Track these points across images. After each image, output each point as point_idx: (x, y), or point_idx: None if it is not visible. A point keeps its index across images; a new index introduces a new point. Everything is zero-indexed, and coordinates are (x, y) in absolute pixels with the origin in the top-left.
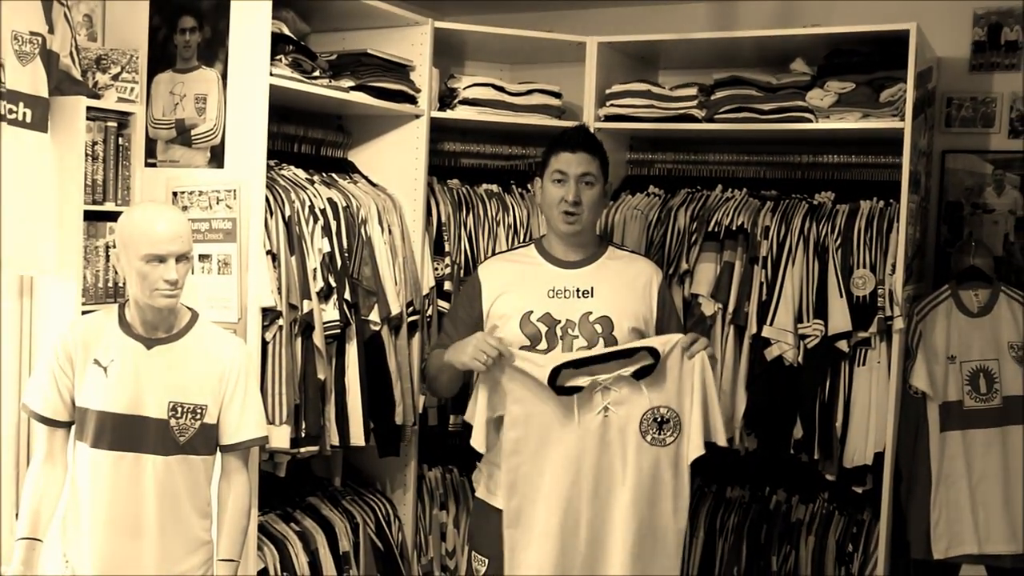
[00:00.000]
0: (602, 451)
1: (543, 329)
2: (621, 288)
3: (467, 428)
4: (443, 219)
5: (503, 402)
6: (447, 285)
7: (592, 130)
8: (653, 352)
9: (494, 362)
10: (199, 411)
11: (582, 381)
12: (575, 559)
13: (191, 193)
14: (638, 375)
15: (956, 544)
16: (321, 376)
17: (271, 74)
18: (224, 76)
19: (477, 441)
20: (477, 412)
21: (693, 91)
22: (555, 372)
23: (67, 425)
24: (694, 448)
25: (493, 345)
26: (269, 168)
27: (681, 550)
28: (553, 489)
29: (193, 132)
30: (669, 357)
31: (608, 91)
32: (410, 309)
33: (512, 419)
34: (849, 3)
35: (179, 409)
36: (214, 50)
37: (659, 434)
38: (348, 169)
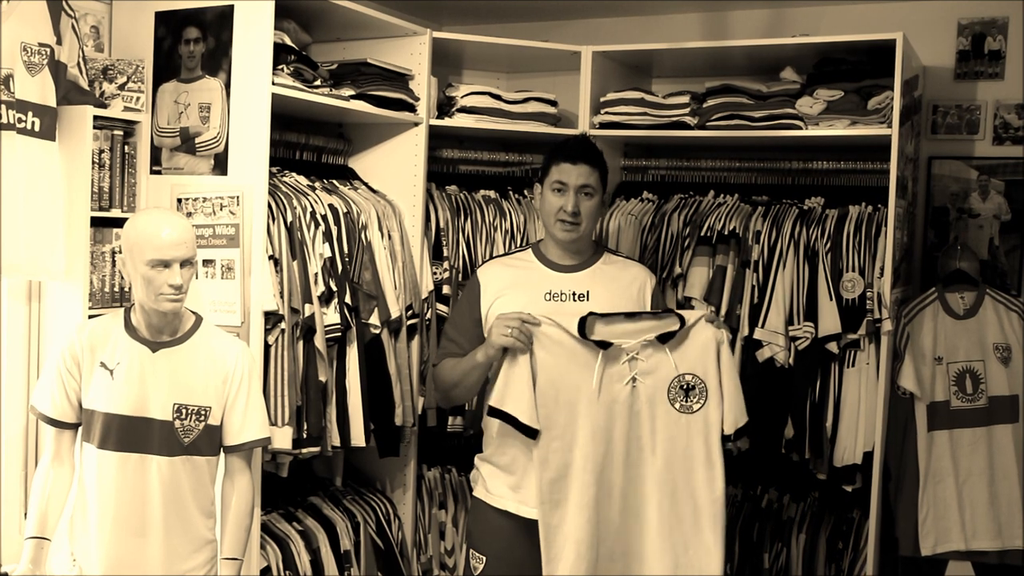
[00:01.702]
0: (631, 421)
1: None
2: (616, 292)
3: (465, 428)
4: (441, 224)
5: (534, 379)
6: (446, 289)
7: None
8: (680, 318)
9: (521, 333)
10: (203, 413)
11: (608, 336)
12: (610, 529)
13: (195, 200)
14: (663, 339)
15: (943, 541)
16: (322, 378)
17: (273, 83)
18: (227, 85)
19: (531, 418)
20: (522, 396)
21: (686, 99)
22: (583, 321)
23: (74, 427)
24: (734, 418)
25: (514, 316)
26: (271, 175)
27: (723, 520)
28: (586, 461)
29: (197, 140)
30: (694, 327)
31: (603, 99)
32: (409, 313)
33: (541, 394)
34: (838, 13)
35: (184, 411)
36: (218, 60)
37: (686, 401)
38: (349, 176)
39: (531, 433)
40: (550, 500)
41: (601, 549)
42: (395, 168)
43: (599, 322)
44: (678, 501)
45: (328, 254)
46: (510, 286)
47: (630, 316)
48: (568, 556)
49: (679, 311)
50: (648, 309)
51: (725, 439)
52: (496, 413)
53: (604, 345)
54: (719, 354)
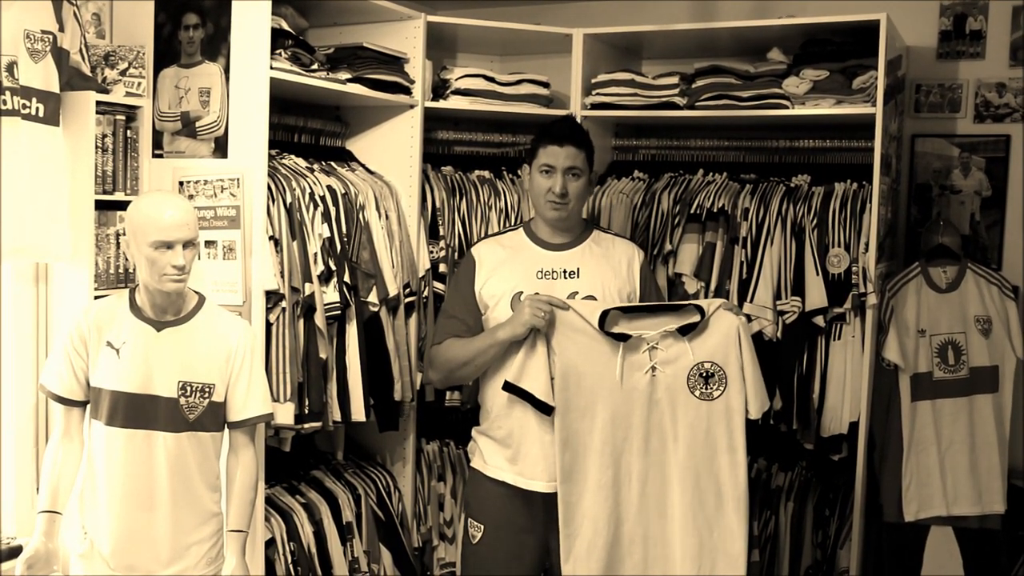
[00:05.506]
0: (651, 409)
1: None
2: (605, 269)
3: (463, 402)
4: (437, 204)
5: (552, 362)
6: (442, 267)
7: (579, 119)
8: (699, 309)
9: (552, 317)
10: (207, 390)
11: (629, 330)
12: (629, 511)
13: (197, 182)
14: (683, 331)
15: (926, 507)
16: (323, 355)
17: (271, 68)
18: (227, 70)
19: (547, 396)
20: (539, 375)
21: (675, 80)
22: (604, 314)
23: (82, 404)
24: (760, 404)
25: (546, 300)
26: (271, 157)
27: (746, 505)
28: (604, 445)
29: (198, 124)
30: (713, 316)
31: (594, 80)
32: (407, 291)
33: (562, 378)
34: None
35: (188, 388)
36: (217, 45)
37: (706, 388)
38: (346, 158)
39: (546, 409)
40: (569, 479)
41: (620, 531)
42: (392, 150)
43: (621, 317)
44: (701, 487)
45: (327, 234)
46: (503, 264)
47: (651, 310)
48: (586, 532)
49: (697, 302)
50: (638, 285)
51: (752, 424)
52: (512, 388)
53: (623, 338)
54: (740, 340)
